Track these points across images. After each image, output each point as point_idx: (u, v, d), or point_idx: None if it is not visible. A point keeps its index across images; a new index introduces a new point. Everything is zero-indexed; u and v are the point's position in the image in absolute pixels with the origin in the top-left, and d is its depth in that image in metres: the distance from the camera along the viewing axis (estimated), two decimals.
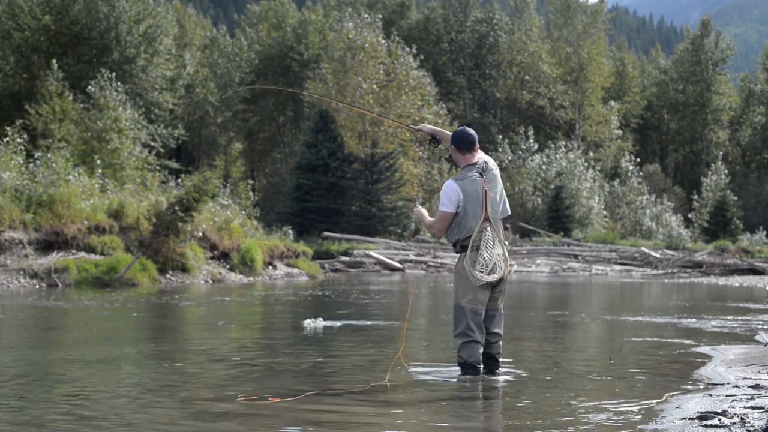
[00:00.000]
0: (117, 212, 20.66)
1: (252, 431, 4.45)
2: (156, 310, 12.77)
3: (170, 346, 8.34)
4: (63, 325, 10.44)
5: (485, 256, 6.04)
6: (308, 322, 10.09)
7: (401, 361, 6.46)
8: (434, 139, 6.50)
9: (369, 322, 10.76)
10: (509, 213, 6.33)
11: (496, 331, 6.23)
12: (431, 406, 5.18)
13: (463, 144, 6.20)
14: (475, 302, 6.07)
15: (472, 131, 6.30)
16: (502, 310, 6.32)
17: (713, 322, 11.09)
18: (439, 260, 32.66)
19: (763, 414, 4.59)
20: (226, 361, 7.14)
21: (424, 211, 6.47)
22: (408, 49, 50.93)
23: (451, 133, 6.40)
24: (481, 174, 6.14)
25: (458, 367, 6.20)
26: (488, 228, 6.09)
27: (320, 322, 10.10)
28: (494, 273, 6.05)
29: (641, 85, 72.44)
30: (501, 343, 6.34)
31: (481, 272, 6.01)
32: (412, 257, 33.55)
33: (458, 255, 6.22)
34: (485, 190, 6.11)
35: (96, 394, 5.48)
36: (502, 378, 6.20)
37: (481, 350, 6.15)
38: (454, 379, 6.12)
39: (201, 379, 6.21)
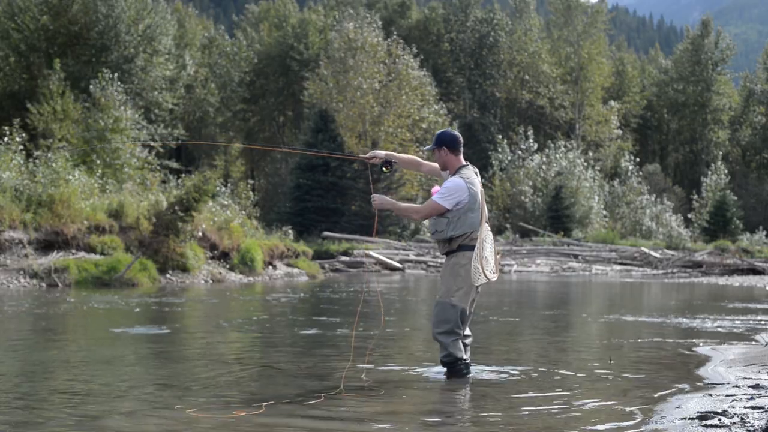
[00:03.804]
0: (117, 212, 20.65)
1: None
2: (155, 310, 12.76)
3: (161, 347, 8.34)
4: (63, 325, 10.44)
5: (489, 255, 6.08)
6: None
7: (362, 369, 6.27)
8: (388, 163, 6.45)
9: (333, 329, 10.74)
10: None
11: (468, 332, 6.24)
12: (424, 410, 5.17)
13: (456, 145, 6.25)
14: (467, 301, 6.06)
15: (457, 132, 6.37)
16: None
17: (713, 322, 11.09)
18: (439, 260, 32.66)
19: (763, 414, 4.59)
20: (206, 364, 7.07)
21: (390, 199, 6.24)
22: (408, 48, 50.88)
23: (404, 155, 6.56)
24: (475, 174, 6.22)
25: (443, 367, 6.10)
26: (487, 228, 6.13)
27: None
28: (495, 273, 6.11)
29: (641, 85, 72.39)
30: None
31: (491, 272, 6.05)
32: (412, 257, 33.55)
33: (452, 253, 6.08)
34: (482, 191, 6.18)
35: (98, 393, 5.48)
36: (500, 378, 6.19)
37: None
38: (434, 382, 6.06)
39: (161, 383, 5.97)
